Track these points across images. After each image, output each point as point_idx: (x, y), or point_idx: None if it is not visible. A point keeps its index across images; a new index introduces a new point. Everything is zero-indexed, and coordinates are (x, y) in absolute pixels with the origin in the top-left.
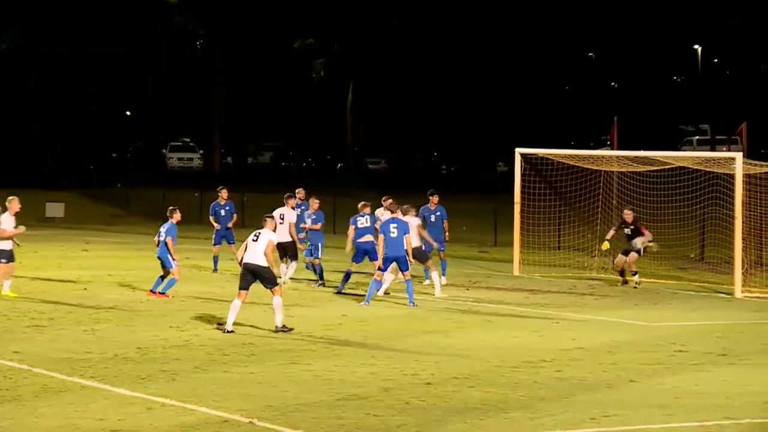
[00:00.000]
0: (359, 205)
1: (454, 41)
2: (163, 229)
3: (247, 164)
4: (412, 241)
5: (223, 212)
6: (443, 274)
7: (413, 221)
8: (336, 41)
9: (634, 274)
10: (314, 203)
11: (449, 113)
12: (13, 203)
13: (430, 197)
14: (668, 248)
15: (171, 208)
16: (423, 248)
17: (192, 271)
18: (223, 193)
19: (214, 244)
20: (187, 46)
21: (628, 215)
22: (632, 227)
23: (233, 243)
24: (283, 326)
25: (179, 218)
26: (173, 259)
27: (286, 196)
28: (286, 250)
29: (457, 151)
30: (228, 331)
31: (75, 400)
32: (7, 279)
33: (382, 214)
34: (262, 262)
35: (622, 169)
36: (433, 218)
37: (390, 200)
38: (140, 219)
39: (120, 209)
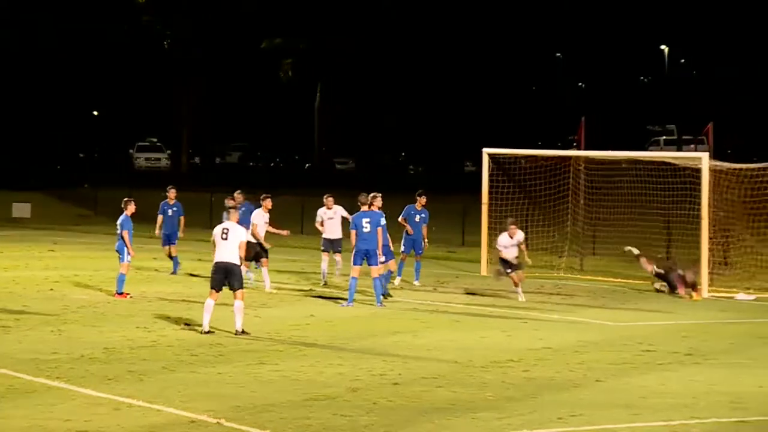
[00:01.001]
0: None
1: (423, 41)
2: (118, 222)
3: (215, 164)
4: (509, 254)
5: (170, 212)
6: (417, 277)
7: (519, 236)
8: (303, 41)
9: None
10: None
11: (417, 113)
12: None
13: (418, 197)
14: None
15: (125, 199)
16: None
17: (159, 273)
18: (171, 193)
19: (163, 245)
20: (154, 46)
21: (691, 277)
22: (668, 270)
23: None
24: (243, 330)
25: (133, 210)
26: (128, 253)
27: (262, 197)
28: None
29: (424, 151)
30: (206, 332)
31: (41, 400)
32: None
33: (325, 213)
34: (235, 260)
35: (590, 169)
36: (417, 218)
37: (331, 198)
38: (107, 219)
39: (87, 209)
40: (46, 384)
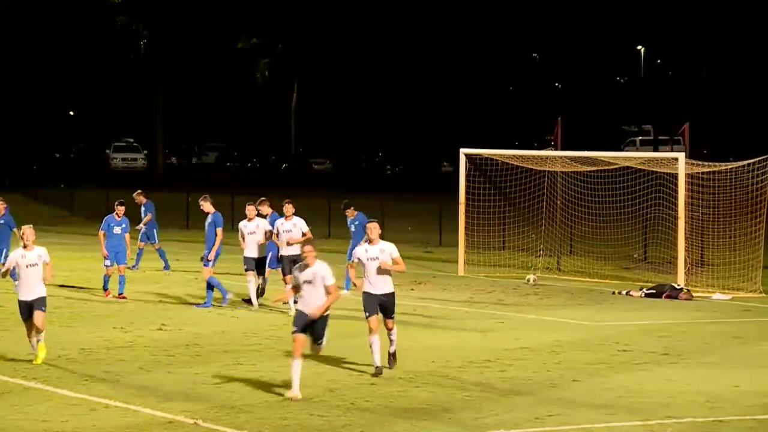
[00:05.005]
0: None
1: (399, 41)
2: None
3: (192, 164)
4: None
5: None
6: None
7: None
8: (280, 41)
9: None
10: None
11: (394, 113)
12: None
13: (346, 210)
14: (611, 248)
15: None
16: None
17: (136, 272)
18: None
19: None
20: (130, 46)
21: None
22: (658, 289)
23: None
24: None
25: (122, 212)
26: (105, 257)
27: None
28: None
29: (402, 151)
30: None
31: (18, 401)
32: None
33: (245, 225)
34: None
35: (566, 170)
36: (353, 228)
37: (253, 207)
38: (83, 220)
39: (63, 210)
40: (22, 384)
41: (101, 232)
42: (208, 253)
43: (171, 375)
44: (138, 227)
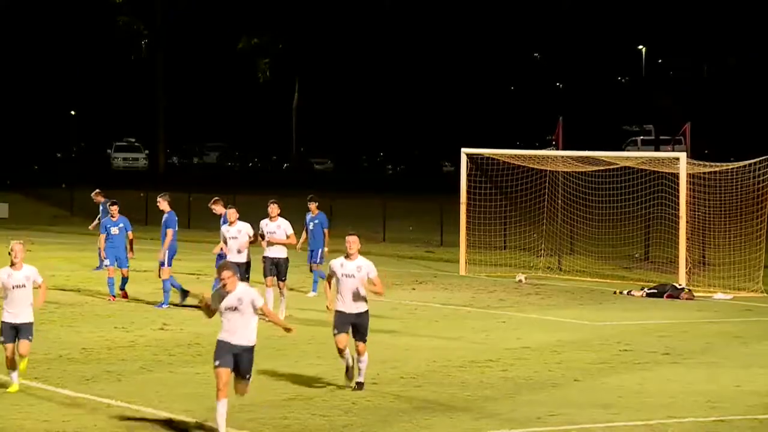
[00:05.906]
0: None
1: (400, 41)
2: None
3: (193, 164)
4: None
5: None
6: (314, 288)
7: None
8: (280, 41)
9: None
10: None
11: (395, 113)
12: None
13: (309, 204)
14: (612, 248)
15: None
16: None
17: (137, 272)
18: None
19: None
20: (131, 46)
21: None
22: (660, 289)
23: None
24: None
25: (114, 212)
26: (101, 258)
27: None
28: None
29: (403, 151)
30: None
31: (19, 401)
32: None
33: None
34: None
35: (567, 169)
36: (312, 225)
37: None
38: (83, 220)
39: (64, 209)
40: (23, 384)
41: (102, 236)
42: (163, 255)
43: (172, 374)
44: (90, 226)
